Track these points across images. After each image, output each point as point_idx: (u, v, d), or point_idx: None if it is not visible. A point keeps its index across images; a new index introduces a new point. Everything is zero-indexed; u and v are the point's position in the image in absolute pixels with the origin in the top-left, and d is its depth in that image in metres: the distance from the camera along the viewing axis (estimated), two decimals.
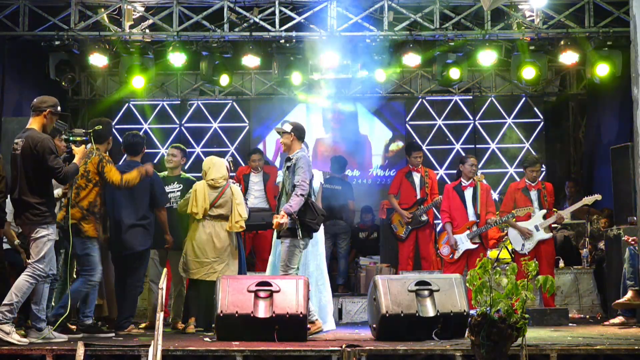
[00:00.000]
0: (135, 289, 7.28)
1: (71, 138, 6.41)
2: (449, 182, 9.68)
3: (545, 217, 8.69)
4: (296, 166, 6.79)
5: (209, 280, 7.29)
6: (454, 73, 10.34)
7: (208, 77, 10.50)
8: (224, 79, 10.65)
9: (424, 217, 9.51)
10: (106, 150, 6.99)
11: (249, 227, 8.12)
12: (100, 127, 6.84)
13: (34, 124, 6.15)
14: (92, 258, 6.70)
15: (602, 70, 9.98)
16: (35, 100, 6.22)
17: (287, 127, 7.02)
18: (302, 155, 6.90)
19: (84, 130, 6.57)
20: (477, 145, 12.51)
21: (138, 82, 10.49)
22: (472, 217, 8.71)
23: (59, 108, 6.25)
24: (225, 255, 7.40)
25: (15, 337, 5.86)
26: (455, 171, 9.68)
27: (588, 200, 8.74)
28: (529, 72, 10.29)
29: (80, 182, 6.72)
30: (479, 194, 8.74)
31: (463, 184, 8.80)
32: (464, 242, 8.66)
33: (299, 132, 7.01)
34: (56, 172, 6.03)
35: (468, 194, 8.77)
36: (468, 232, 8.67)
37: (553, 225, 8.82)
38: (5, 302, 5.95)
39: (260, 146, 12.19)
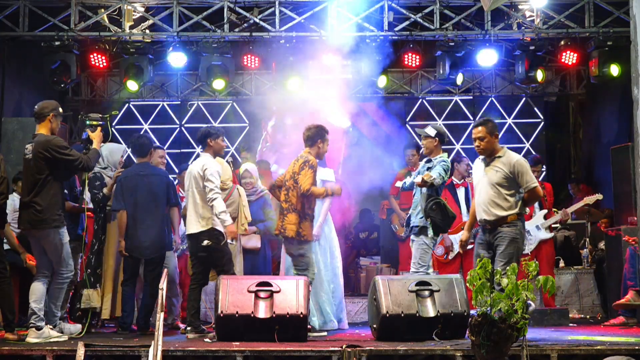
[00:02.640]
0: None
1: (87, 122, 6.54)
2: None
3: (545, 217, 8.68)
4: (435, 165, 6.91)
5: None
6: (460, 78, 10.45)
7: (207, 78, 10.48)
8: (219, 83, 10.47)
9: None
10: (317, 154, 6.98)
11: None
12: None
13: (41, 129, 6.27)
14: (306, 259, 6.86)
15: (615, 70, 9.97)
16: (36, 107, 6.35)
17: (431, 132, 7.07)
18: (445, 160, 6.98)
19: (100, 115, 6.69)
20: None
21: (132, 86, 10.45)
22: (465, 217, 8.67)
23: (60, 110, 6.39)
24: (233, 256, 7.36)
25: (53, 334, 6.12)
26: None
27: (589, 199, 8.73)
28: (539, 73, 10.33)
29: (289, 183, 6.85)
30: (470, 194, 8.73)
31: (455, 183, 8.77)
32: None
33: (442, 137, 7.11)
34: (76, 163, 6.18)
35: (461, 193, 8.75)
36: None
37: (553, 225, 8.81)
38: (40, 306, 6.13)
39: None
